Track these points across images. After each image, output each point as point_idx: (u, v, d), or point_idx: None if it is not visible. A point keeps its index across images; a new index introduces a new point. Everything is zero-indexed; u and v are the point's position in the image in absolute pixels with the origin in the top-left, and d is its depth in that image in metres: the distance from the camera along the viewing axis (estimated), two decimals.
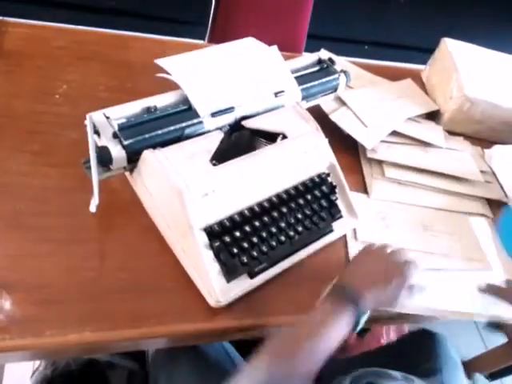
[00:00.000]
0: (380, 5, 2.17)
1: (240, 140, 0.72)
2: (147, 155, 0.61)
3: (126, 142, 0.61)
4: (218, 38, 1.37)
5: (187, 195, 0.59)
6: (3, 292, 0.56)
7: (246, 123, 0.70)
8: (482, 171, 0.94)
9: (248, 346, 0.57)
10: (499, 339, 1.47)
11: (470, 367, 1.31)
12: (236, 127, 0.70)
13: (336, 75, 0.83)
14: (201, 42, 1.46)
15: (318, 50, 1.09)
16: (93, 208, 0.63)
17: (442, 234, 0.81)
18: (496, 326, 0.67)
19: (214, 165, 0.64)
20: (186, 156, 0.62)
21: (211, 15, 1.39)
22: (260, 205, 0.66)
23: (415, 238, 0.79)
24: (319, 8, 1.42)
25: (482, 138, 1.04)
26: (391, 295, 0.60)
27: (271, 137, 0.71)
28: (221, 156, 0.65)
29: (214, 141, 0.66)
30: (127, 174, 0.67)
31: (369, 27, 2.27)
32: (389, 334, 1.21)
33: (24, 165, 0.69)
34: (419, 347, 0.83)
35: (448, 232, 0.82)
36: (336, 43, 2.18)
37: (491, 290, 0.73)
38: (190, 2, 1.89)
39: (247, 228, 0.64)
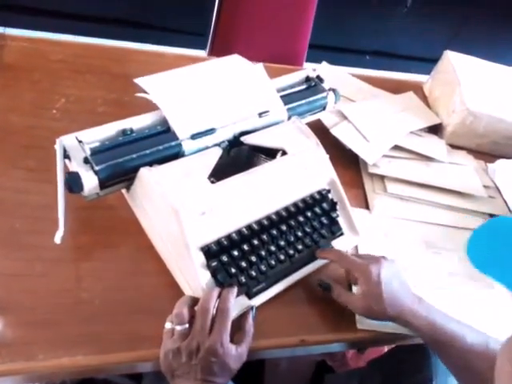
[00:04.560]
0: (381, 15, 2.18)
1: (239, 156, 0.71)
2: (143, 173, 0.60)
3: (97, 168, 0.58)
4: (219, 48, 1.37)
5: (184, 214, 0.58)
6: None
7: (245, 139, 0.69)
8: (485, 186, 0.92)
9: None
10: None
11: None
12: (235, 143, 0.69)
13: (324, 94, 0.80)
14: (201, 52, 1.46)
15: (320, 60, 1.09)
16: (57, 239, 0.59)
17: (446, 252, 0.80)
18: (327, 287, 0.65)
19: (212, 182, 0.62)
20: (183, 173, 0.61)
21: (212, 25, 1.39)
22: (259, 223, 0.64)
23: (418, 256, 0.78)
24: (321, 18, 1.41)
25: (485, 151, 1.03)
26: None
27: (271, 153, 0.70)
28: (219, 173, 0.64)
29: (212, 158, 0.64)
30: (124, 191, 0.66)
31: (370, 37, 2.27)
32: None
33: (19, 181, 0.68)
34: (412, 358, 0.82)
35: (451, 249, 0.81)
36: (337, 53, 2.20)
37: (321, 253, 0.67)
38: (192, 12, 1.89)
39: (245, 247, 0.62)
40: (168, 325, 0.56)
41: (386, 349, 0.96)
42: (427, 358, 0.81)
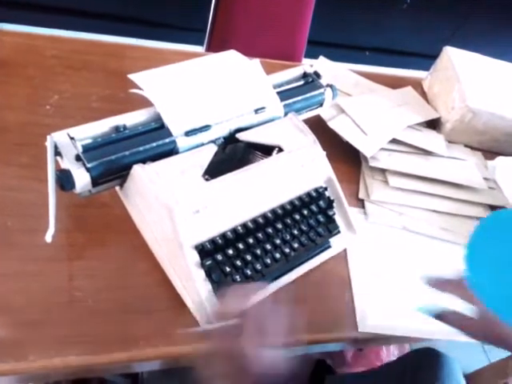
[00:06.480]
0: (381, 11, 2.16)
1: (234, 153, 0.70)
2: (136, 170, 0.59)
3: (89, 165, 0.57)
4: (216, 43, 1.35)
5: (177, 212, 0.57)
6: None
7: (241, 136, 0.68)
8: (484, 178, 0.92)
9: None
10: (502, 352, 1.44)
11: (471, 381, 1.28)
12: (230, 140, 0.68)
13: (322, 90, 0.79)
14: (199, 48, 1.44)
15: (319, 56, 1.08)
16: (48, 238, 0.58)
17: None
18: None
19: (207, 180, 0.61)
20: (178, 171, 0.60)
21: (210, 21, 1.37)
22: (254, 221, 0.64)
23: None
24: (319, 14, 1.40)
25: (485, 148, 1.02)
26: None
27: (267, 149, 0.69)
28: (214, 170, 0.63)
29: (206, 155, 0.63)
30: (117, 188, 0.65)
31: (370, 33, 2.25)
32: (389, 349, 1.18)
33: (12, 178, 0.67)
34: (424, 367, 0.79)
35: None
36: (336, 49, 2.19)
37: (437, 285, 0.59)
38: (189, 8, 1.88)
39: (240, 245, 0.62)
40: None
41: (386, 351, 0.94)
42: (441, 369, 0.77)
